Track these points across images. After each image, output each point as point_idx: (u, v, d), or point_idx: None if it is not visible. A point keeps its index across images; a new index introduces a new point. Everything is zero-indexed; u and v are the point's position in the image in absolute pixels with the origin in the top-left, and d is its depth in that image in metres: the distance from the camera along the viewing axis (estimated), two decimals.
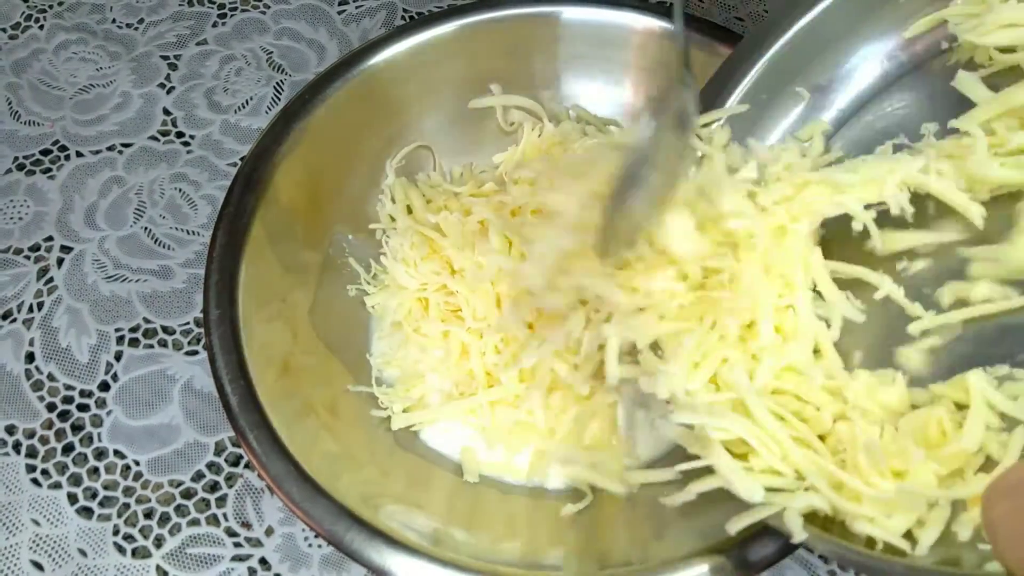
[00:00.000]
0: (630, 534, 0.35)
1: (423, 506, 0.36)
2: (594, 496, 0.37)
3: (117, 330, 0.44)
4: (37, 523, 0.39)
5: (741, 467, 0.29)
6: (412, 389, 0.39)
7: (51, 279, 0.45)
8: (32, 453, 0.41)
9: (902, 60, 0.35)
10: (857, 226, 0.31)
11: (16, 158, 0.49)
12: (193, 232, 0.47)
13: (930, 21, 0.34)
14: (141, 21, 0.55)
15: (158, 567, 0.38)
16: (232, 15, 0.55)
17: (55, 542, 0.39)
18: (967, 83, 0.32)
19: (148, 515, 0.39)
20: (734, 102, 0.36)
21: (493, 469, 0.38)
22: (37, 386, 0.43)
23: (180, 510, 0.40)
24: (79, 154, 0.49)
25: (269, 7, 0.55)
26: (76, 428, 0.41)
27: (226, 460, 0.41)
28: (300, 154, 0.40)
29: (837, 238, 0.33)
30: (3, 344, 0.44)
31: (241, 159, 0.49)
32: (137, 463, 0.41)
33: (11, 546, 0.39)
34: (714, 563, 0.30)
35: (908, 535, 0.27)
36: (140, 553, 0.39)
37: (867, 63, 0.35)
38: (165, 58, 0.53)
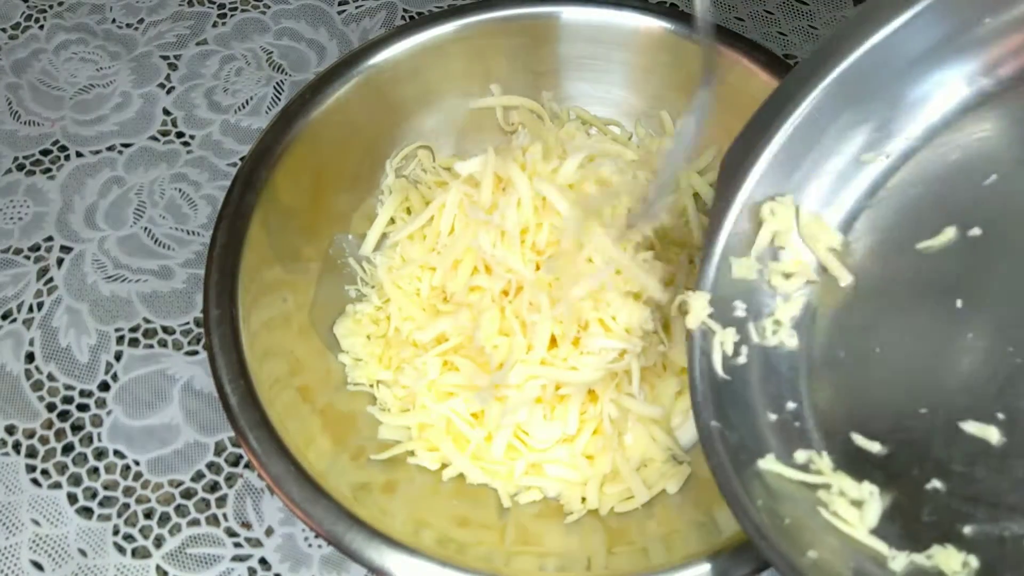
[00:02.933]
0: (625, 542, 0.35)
1: (424, 505, 0.36)
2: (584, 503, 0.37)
3: (117, 330, 0.44)
4: (37, 523, 0.39)
5: None
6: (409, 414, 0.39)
7: (51, 279, 0.45)
8: (32, 453, 0.41)
9: (983, 85, 0.31)
10: None
11: (16, 158, 0.49)
12: (193, 232, 0.47)
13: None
14: (141, 21, 0.55)
15: (158, 567, 0.38)
16: (232, 15, 0.55)
17: (55, 542, 0.39)
18: None
19: (148, 515, 0.39)
20: (786, 134, 0.32)
21: (491, 474, 0.38)
22: (37, 386, 0.43)
23: (180, 510, 0.40)
24: (79, 154, 0.49)
25: (269, 7, 0.55)
26: (76, 428, 0.41)
27: (226, 460, 0.41)
28: (300, 154, 0.40)
29: None
30: (3, 344, 0.44)
31: (241, 159, 0.49)
32: (137, 463, 0.41)
33: (11, 546, 0.39)
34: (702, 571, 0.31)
35: None
36: (140, 553, 0.39)
37: (941, 89, 0.31)
38: (165, 58, 0.53)
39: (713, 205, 0.33)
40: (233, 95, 0.52)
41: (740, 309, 0.32)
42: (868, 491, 0.28)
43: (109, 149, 0.50)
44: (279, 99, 0.52)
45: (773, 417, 0.31)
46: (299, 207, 0.40)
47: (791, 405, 0.31)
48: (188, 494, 0.40)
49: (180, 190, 0.48)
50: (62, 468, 0.41)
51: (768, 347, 0.32)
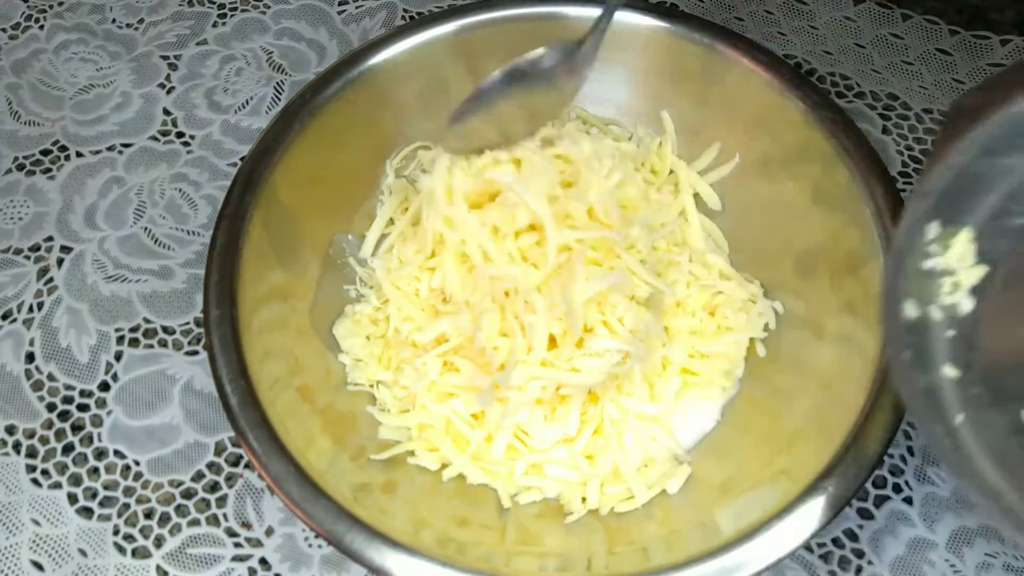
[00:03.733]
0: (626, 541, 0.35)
1: (424, 505, 0.36)
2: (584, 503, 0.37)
3: (117, 330, 0.44)
4: (37, 523, 0.39)
5: None
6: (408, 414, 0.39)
7: (51, 279, 0.45)
8: (32, 453, 0.41)
9: None
10: None
11: (16, 158, 0.49)
12: (193, 232, 0.47)
13: None
14: (141, 21, 0.55)
15: (158, 567, 0.38)
16: (232, 15, 0.55)
17: (55, 542, 0.39)
18: None
19: (148, 515, 0.39)
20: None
21: (491, 474, 0.38)
22: (37, 386, 0.43)
23: (180, 510, 0.40)
24: (79, 154, 0.49)
25: (269, 7, 0.55)
26: (76, 428, 0.41)
27: (226, 460, 0.41)
28: (300, 154, 0.40)
29: None
30: (3, 344, 0.44)
31: (241, 159, 0.49)
32: (137, 463, 0.41)
33: (11, 546, 0.39)
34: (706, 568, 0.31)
35: None
36: (140, 553, 0.39)
37: None
38: (165, 58, 0.53)
39: (938, 140, 0.28)
40: (233, 95, 0.52)
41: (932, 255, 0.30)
42: None
43: (109, 149, 0.50)
44: (279, 99, 0.52)
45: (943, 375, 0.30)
46: (299, 207, 0.40)
47: (954, 370, 0.29)
48: (188, 494, 0.40)
49: (180, 190, 0.48)
50: (62, 468, 0.41)
51: (944, 305, 0.30)
